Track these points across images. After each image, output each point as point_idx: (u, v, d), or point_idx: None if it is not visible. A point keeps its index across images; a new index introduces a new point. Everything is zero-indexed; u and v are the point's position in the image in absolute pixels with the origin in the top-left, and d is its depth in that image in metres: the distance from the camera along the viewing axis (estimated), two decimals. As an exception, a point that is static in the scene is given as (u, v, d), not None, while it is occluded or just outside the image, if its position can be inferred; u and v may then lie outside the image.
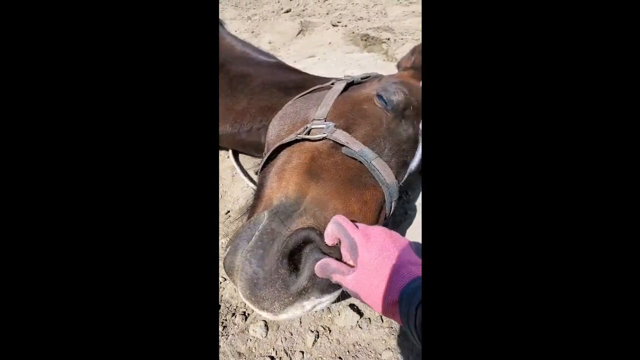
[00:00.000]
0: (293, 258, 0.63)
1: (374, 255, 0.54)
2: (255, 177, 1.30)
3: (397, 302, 0.48)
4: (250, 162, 1.39)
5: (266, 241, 0.64)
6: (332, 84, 1.11)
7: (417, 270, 0.51)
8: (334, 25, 2.89)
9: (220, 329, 0.88)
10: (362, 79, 1.13)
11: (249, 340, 0.86)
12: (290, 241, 0.63)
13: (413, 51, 1.25)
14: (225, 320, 0.90)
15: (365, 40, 2.63)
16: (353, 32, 2.75)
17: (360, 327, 0.87)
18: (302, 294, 0.62)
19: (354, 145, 0.79)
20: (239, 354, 0.83)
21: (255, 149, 1.26)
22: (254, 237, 0.66)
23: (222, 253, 1.05)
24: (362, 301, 0.56)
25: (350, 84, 1.09)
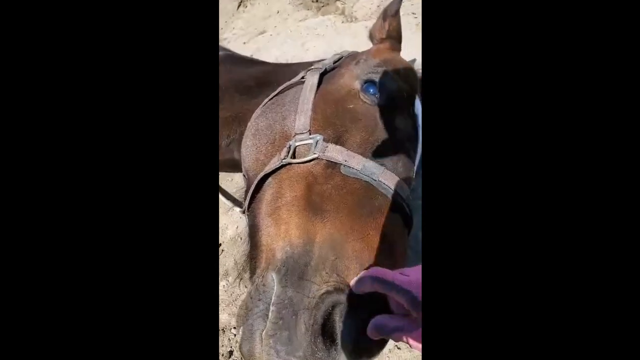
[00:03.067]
0: (326, 329, 0.53)
1: None
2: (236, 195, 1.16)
3: None
4: (229, 181, 1.23)
5: (287, 318, 0.53)
6: (303, 77, 0.93)
7: None
8: (277, -10, 2.55)
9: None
10: (334, 62, 0.96)
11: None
12: (319, 315, 0.52)
13: (384, 15, 1.07)
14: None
15: (317, 1, 2.35)
16: (300, -6, 2.44)
17: (398, 348, 0.80)
18: None
19: (354, 162, 0.66)
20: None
21: (230, 166, 1.10)
22: (270, 314, 0.54)
23: (223, 297, 0.93)
24: None
25: (324, 73, 0.92)
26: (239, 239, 1.05)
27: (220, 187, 1.20)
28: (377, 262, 0.59)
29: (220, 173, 1.23)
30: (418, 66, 1.03)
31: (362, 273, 0.52)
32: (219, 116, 1.03)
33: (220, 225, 1.14)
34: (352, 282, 0.53)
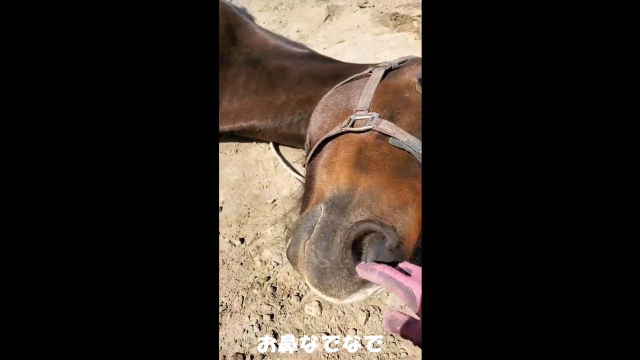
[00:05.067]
0: (355, 247, 0.68)
1: None
2: (297, 167, 1.38)
3: None
4: (291, 152, 1.45)
5: (328, 233, 0.69)
6: (370, 71, 1.12)
7: None
8: (361, 7, 2.82)
9: (279, 308, 0.96)
10: (399, 63, 1.13)
11: (305, 318, 0.94)
12: (353, 233, 0.67)
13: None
14: (282, 300, 0.98)
15: (395, 19, 2.55)
16: (381, 12, 2.67)
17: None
18: (366, 282, 0.67)
19: (401, 136, 0.81)
20: (297, 330, 0.91)
21: (296, 141, 1.31)
22: (315, 229, 0.71)
23: (269, 239, 1.13)
24: None
25: (389, 70, 1.09)
26: (290, 198, 1.25)
27: (283, 156, 1.43)
28: (405, 210, 0.72)
29: (285, 146, 1.46)
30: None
31: (372, 265, 0.63)
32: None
33: (277, 185, 1.36)
34: (360, 269, 0.64)
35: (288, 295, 0.99)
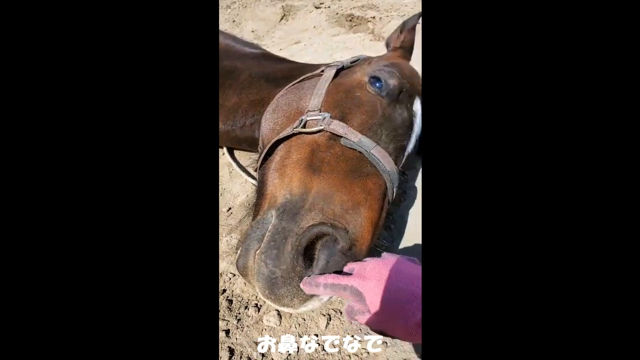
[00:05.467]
0: (307, 253, 0.65)
1: (378, 291, 0.55)
2: (253, 173, 1.32)
3: (420, 322, 0.49)
4: (246, 156, 1.39)
5: (279, 240, 0.66)
6: (322, 71, 1.10)
7: (419, 283, 0.53)
8: (317, 8, 2.82)
9: (235, 322, 0.91)
10: (351, 63, 1.12)
11: (264, 329, 0.89)
12: (304, 239, 0.64)
13: (401, 28, 1.24)
14: (239, 313, 0.93)
15: (350, 20, 2.57)
16: (337, 13, 2.68)
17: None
18: None
19: (353, 136, 0.80)
20: (256, 343, 0.86)
21: (250, 144, 1.26)
22: (265, 238, 0.67)
23: (225, 250, 1.07)
24: (391, 337, 0.56)
25: (341, 70, 1.08)
26: (247, 204, 1.19)
27: (238, 161, 1.37)
28: (358, 210, 0.71)
29: (239, 150, 1.39)
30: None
31: (316, 278, 0.62)
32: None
33: (232, 192, 1.29)
34: (304, 286, 0.63)
35: (245, 307, 0.94)
